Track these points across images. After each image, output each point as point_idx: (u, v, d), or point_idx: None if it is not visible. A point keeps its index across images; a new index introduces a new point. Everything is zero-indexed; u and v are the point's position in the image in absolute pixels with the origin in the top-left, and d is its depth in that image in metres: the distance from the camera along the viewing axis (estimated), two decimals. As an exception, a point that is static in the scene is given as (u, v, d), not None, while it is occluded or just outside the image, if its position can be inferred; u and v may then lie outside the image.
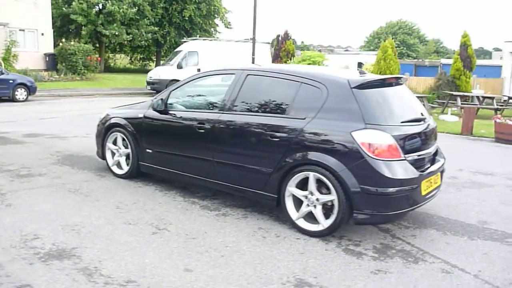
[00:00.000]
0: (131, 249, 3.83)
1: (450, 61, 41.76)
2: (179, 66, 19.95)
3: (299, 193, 4.30)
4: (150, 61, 38.62)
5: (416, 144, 4.28)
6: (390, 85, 4.55)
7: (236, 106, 4.78)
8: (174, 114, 5.30)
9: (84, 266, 3.48)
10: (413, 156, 4.18)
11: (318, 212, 4.20)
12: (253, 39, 16.30)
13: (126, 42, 31.83)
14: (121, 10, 27.81)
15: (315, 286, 3.35)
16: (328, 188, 4.15)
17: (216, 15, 35.96)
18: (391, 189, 3.93)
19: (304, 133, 4.22)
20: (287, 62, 15.46)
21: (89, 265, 3.51)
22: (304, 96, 4.39)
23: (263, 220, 4.65)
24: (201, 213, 4.81)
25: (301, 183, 4.31)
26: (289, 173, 4.32)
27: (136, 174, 5.85)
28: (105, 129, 6.06)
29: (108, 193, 5.35)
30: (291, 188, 4.34)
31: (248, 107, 4.74)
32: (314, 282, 3.41)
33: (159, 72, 20.23)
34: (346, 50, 50.83)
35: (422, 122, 4.47)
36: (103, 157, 6.25)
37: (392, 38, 60.50)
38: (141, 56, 37.88)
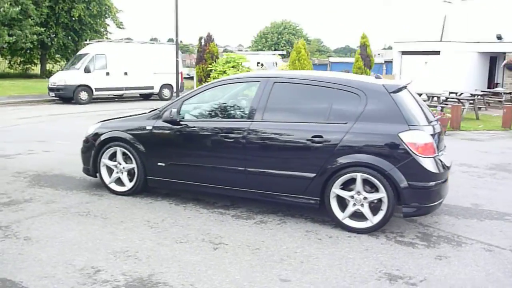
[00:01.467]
0: (210, 268, 3.71)
1: (338, 60, 45.18)
2: (87, 70, 18.59)
3: (346, 194, 4.54)
4: (33, 65, 35.12)
5: (438, 141, 4.81)
6: (406, 88, 5.02)
7: (268, 114, 4.82)
8: (193, 125, 5.14)
9: (182, 292, 3.31)
10: (439, 152, 4.70)
11: (366, 210, 4.48)
12: (176, 42, 15.94)
13: (6, 44, 28.53)
14: (1, 9, 24.86)
15: (405, 278, 3.63)
16: (372, 187, 4.46)
17: (107, 15, 34.11)
18: (432, 183, 4.39)
19: (349, 137, 4.47)
20: (213, 64, 15.46)
21: (186, 290, 3.34)
22: (342, 102, 4.63)
23: (303, 223, 4.79)
24: (239, 223, 4.77)
25: (344, 184, 4.56)
26: (334, 175, 4.53)
27: (140, 190, 5.52)
28: (100, 144, 5.59)
29: (124, 213, 4.98)
30: (336, 190, 4.56)
31: (282, 115, 4.83)
32: (400, 274, 3.69)
33: (63, 77, 18.60)
34: (240, 50, 51.95)
35: (437, 121, 5.02)
36: (95, 174, 5.76)
37: (278, 38, 62.76)
38: (22, 60, 34.23)
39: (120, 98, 20.94)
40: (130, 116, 5.85)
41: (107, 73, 19.27)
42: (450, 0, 27.47)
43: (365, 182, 4.47)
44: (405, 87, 4.78)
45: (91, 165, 5.72)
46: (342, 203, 4.60)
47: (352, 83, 4.66)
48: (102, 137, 5.58)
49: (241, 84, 5.26)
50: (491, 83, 25.16)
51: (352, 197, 4.52)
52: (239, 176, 4.94)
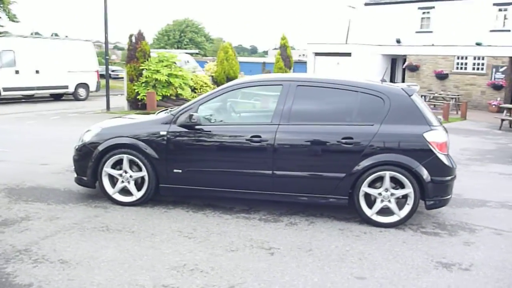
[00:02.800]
0: (284, 274, 3.70)
1: (249, 59, 45.81)
2: (-7, 68, 16.60)
3: (374, 192, 4.80)
4: None
5: None
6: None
7: (294, 117, 4.89)
8: (214, 129, 4.99)
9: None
10: None
11: (393, 206, 4.80)
12: (106, 39, 14.89)
13: None
14: None
15: (455, 264, 4.00)
16: (395, 183, 4.78)
17: (-3, 6, 30.54)
18: (449, 177, 4.85)
19: (378, 137, 4.74)
20: (145, 63, 14.78)
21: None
22: (366, 105, 4.88)
23: (330, 222, 4.95)
24: (272, 226, 4.78)
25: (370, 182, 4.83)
26: (363, 175, 4.77)
27: (149, 199, 5.22)
28: (101, 152, 5.15)
29: (146, 224, 4.68)
30: (365, 188, 4.80)
31: (308, 118, 4.93)
32: (449, 261, 4.05)
33: (-37, 76, 16.38)
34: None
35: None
36: (93, 185, 5.30)
37: (181, 36, 61.85)
38: None
39: (30, 99, 19.06)
40: (131, 120, 5.47)
41: (16, 71, 17.40)
42: (353, 6, 29.66)
43: (390, 179, 4.78)
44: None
45: (89, 174, 5.25)
46: (368, 200, 4.86)
47: (376, 87, 4.94)
48: (105, 144, 5.15)
49: (262, 88, 5.23)
50: (393, 82, 27.57)
51: (380, 194, 4.80)
52: (266, 179, 4.93)
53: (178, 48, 51.84)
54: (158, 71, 14.72)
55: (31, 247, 4.03)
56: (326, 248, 4.25)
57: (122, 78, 19.44)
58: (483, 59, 22.76)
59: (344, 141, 4.77)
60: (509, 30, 23.20)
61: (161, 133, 5.06)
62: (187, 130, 5.02)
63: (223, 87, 5.18)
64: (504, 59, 21.92)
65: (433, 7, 26.10)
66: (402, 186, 4.78)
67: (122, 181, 5.20)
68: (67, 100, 19.94)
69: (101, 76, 21.22)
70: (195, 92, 16.90)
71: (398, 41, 26.91)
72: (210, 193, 5.15)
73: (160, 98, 14.91)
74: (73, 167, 5.50)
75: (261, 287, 3.48)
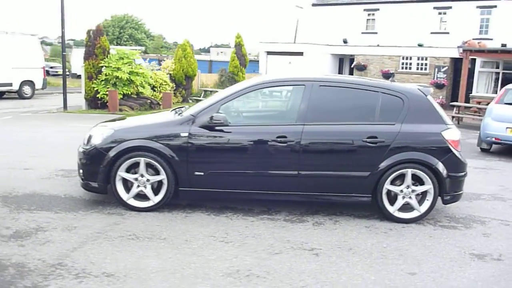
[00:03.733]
0: (340, 274, 3.71)
1: (202, 57, 45.35)
2: None
3: (396, 189, 4.95)
4: None
5: None
6: None
7: (318, 116, 4.90)
8: (238, 130, 4.88)
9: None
10: None
11: (414, 202, 4.97)
12: (62, 35, 13.91)
13: None
14: None
15: (487, 255, 4.22)
16: (416, 180, 4.96)
17: None
18: (462, 173, 5.11)
19: (400, 136, 4.88)
20: (105, 60, 14.07)
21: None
22: (387, 105, 5.00)
23: (353, 220, 5.02)
24: (301, 226, 4.76)
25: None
26: (386, 173, 4.90)
27: (166, 203, 5.01)
28: (116, 155, 4.85)
29: (174, 230, 4.48)
30: (388, 186, 4.93)
31: (331, 117, 4.96)
32: (480, 253, 4.27)
33: None
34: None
35: None
36: (105, 190, 4.99)
37: (120, 33, 59.87)
38: None
39: (-32, 98, 17.51)
40: (145, 121, 5.19)
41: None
42: (301, 6, 30.22)
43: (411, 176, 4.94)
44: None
45: (101, 179, 4.92)
46: (389, 197, 4.99)
47: (395, 87, 5.08)
48: (120, 147, 4.85)
49: (284, 87, 5.18)
50: (339, 81, 28.38)
51: (401, 191, 4.95)
52: (291, 180, 4.91)
53: (117, 44, 49.95)
54: (119, 69, 14.11)
55: (64, 260, 3.71)
56: (364, 246, 4.31)
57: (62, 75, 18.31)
58: (426, 59, 24.14)
59: (369, 140, 4.86)
60: (448, 33, 24.80)
61: (182, 134, 4.86)
62: (208, 131, 4.86)
63: (244, 86, 5.06)
64: (445, 59, 23.39)
65: (378, 9, 27.30)
66: (421, 182, 4.96)
67: (138, 186, 4.93)
68: (10, 99, 18.57)
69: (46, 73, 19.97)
70: (154, 91, 16.42)
71: (345, 42, 27.84)
72: (233, 195, 5.03)
73: (121, 96, 14.31)
74: (80, 171, 5.13)
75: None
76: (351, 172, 4.91)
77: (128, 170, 4.93)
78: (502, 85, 21.12)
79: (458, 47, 21.69)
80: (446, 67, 23.44)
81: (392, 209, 4.96)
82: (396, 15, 26.24)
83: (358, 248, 4.26)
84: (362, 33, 27.69)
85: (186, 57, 18.08)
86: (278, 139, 4.82)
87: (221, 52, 50.70)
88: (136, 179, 4.92)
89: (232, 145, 4.90)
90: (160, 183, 4.94)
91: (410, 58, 24.70)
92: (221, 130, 4.86)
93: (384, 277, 3.68)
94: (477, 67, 21.28)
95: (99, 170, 4.92)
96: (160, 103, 15.52)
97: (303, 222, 4.91)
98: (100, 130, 5.11)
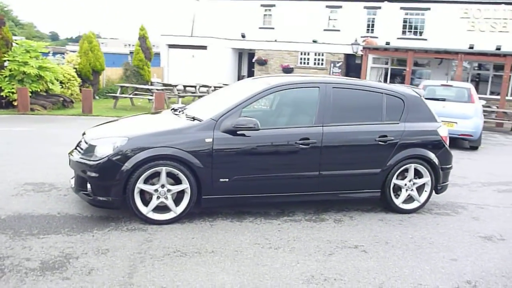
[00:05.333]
0: (402, 267, 3.96)
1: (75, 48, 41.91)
2: None
3: (401, 183, 5.38)
4: None
5: None
6: None
7: (334, 118, 5.07)
8: (261, 133, 4.79)
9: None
10: None
11: (415, 193, 5.46)
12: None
13: None
14: None
15: (493, 237, 4.85)
16: (416, 173, 5.46)
17: None
18: (451, 165, 5.74)
19: (405, 134, 5.30)
20: (9, 53, 12.24)
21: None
22: (391, 105, 5.38)
23: (365, 215, 5.33)
24: (326, 225, 4.91)
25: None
26: (393, 168, 5.29)
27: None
28: (134, 166, 4.44)
29: (215, 242, 4.28)
30: (395, 180, 5.34)
31: (345, 118, 5.16)
32: (485, 235, 4.89)
33: None
34: None
35: None
36: (120, 205, 4.55)
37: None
38: None
39: None
40: (160, 127, 4.80)
41: None
42: (198, -1, 29.90)
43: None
44: None
45: (116, 193, 4.47)
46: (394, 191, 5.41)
47: (396, 89, 5.49)
48: (139, 157, 4.44)
49: (300, 89, 5.20)
50: (239, 75, 29.03)
51: (405, 184, 5.40)
52: (312, 180, 5.02)
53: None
54: (26, 63, 12.53)
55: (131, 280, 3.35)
56: (395, 239, 4.63)
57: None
58: (322, 55, 25.81)
59: (380, 139, 5.19)
60: (339, 30, 26.83)
61: (207, 140, 4.63)
62: (232, 136, 4.72)
63: (262, 89, 4.98)
64: (339, 55, 25.29)
65: (274, 5, 28.33)
66: (419, 175, 5.46)
67: (158, 197, 4.59)
68: None
69: None
70: (62, 87, 14.95)
71: (243, 36, 28.38)
72: (257, 199, 4.97)
73: (30, 94, 12.75)
74: (88, 186, 4.58)
75: (405, 283, 3.67)
76: (365, 169, 5.20)
77: (146, 181, 4.56)
78: (391, 79, 23.64)
79: (352, 44, 23.65)
80: (341, 63, 25.37)
81: (398, 202, 5.39)
82: (291, 12, 27.54)
83: (391, 241, 4.56)
84: (260, 28, 28.53)
85: (93, 50, 16.77)
86: (301, 141, 4.89)
87: (102, 44, 47.73)
88: (156, 190, 4.57)
89: (257, 149, 4.82)
90: (180, 193, 4.66)
91: (308, 54, 26.18)
92: (243, 135, 4.75)
93: (437, 265, 4.03)
94: (369, 63, 23.42)
95: (113, 183, 4.46)
96: (74, 100, 14.20)
97: (324, 220, 5.06)
98: (110, 139, 4.61)
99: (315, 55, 26.02)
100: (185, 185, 4.62)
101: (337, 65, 25.35)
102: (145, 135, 4.63)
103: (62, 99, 13.76)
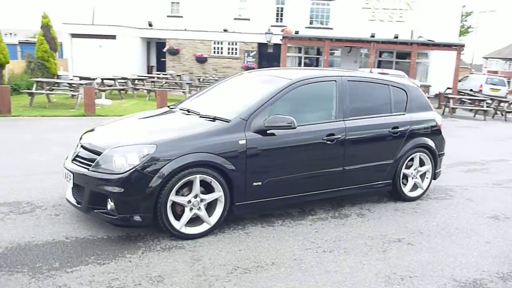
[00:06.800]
0: (450, 256, 4.06)
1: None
2: None
3: (409, 172, 5.54)
4: None
5: None
6: None
7: (352, 111, 5.01)
8: (290, 132, 4.52)
9: None
10: None
11: (419, 180, 5.67)
12: None
13: None
14: None
15: (500, 217, 5.23)
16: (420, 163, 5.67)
17: None
18: (444, 152, 6.05)
19: (412, 124, 5.45)
20: None
21: None
22: (397, 97, 5.48)
23: (379, 206, 5.41)
24: (353, 221, 4.86)
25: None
26: (402, 158, 5.42)
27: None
28: (168, 176, 3.90)
29: (267, 254, 3.96)
30: (404, 170, 5.48)
31: (361, 111, 5.12)
32: (491, 215, 5.26)
33: None
34: None
35: None
36: (150, 222, 3.99)
37: None
38: None
39: None
40: (186, 131, 4.24)
41: None
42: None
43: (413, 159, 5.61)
44: None
45: (147, 209, 3.91)
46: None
47: (399, 81, 5.61)
48: (173, 165, 3.92)
49: (320, 83, 4.98)
50: (149, 66, 27.75)
51: (411, 173, 5.57)
52: (337, 176, 4.92)
53: None
54: None
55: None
56: (424, 228, 4.75)
57: None
58: (236, 44, 25.68)
59: (393, 130, 5.27)
60: (249, 19, 26.90)
61: (240, 142, 4.25)
62: (262, 135, 4.40)
63: (286, 84, 4.67)
64: (253, 44, 25.39)
65: (182, -7, 27.36)
66: (421, 163, 5.67)
67: (191, 209, 4.12)
68: None
69: None
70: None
71: (150, 25, 27.06)
72: (287, 201, 4.73)
73: None
74: (110, 204, 3.92)
75: (470, 271, 3.76)
76: (381, 161, 5.24)
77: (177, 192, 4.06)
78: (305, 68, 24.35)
79: (266, 33, 23.91)
80: (255, 52, 25.51)
81: (406, 190, 5.55)
82: (200, 0, 26.86)
83: (424, 231, 4.67)
84: (168, 16, 27.42)
85: (-8, 41, 14.59)
86: (327, 137, 4.75)
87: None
88: (188, 202, 4.09)
89: (287, 148, 4.56)
90: (211, 202, 4.24)
91: (221, 43, 25.87)
92: (273, 134, 4.46)
93: (480, 250, 4.23)
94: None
95: (143, 198, 3.89)
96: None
97: (348, 216, 5.01)
98: (134, 147, 3.98)
99: (229, 44, 25.81)
100: (219, 193, 4.20)
101: (251, 54, 25.47)
102: (173, 140, 4.09)
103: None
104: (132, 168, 3.87)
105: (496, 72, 47.57)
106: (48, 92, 13.72)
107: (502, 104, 18.65)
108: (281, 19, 26.83)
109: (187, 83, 18.02)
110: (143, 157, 3.91)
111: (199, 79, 22.78)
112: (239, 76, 5.85)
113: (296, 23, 26.14)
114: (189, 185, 4.11)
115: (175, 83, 19.99)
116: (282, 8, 26.83)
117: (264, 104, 4.49)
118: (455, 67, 20.12)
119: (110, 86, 17.01)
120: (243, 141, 4.27)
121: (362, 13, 25.91)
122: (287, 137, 4.53)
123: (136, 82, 18.59)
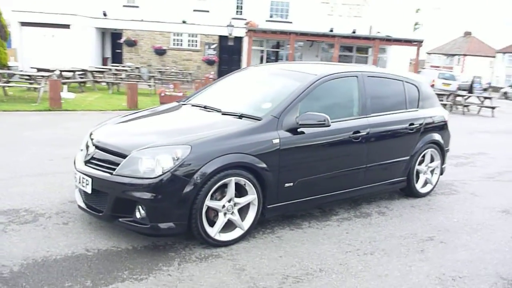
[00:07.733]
0: (487, 253, 4.06)
1: None
2: None
3: (422, 168, 5.53)
4: None
5: None
6: None
7: (372, 107, 4.90)
8: (319, 130, 4.32)
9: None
10: None
11: (430, 176, 5.68)
12: None
13: None
14: None
15: (508, 210, 5.36)
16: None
17: None
18: (448, 147, 6.10)
19: (426, 120, 5.44)
20: None
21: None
22: (410, 93, 5.43)
23: (395, 203, 5.36)
24: (376, 220, 4.77)
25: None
26: (415, 154, 5.39)
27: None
28: (204, 180, 3.59)
29: (310, 259, 3.78)
30: (417, 166, 5.47)
31: (379, 107, 5.01)
32: (501, 209, 5.37)
33: None
34: None
35: None
36: (184, 229, 3.66)
37: None
38: None
39: None
40: (217, 131, 3.91)
41: None
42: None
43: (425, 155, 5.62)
44: None
45: (181, 216, 3.58)
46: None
47: (411, 76, 5.56)
48: (209, 168, 3.61)
49: (343, 79, 4.80)
50: (103, 57, 26.57)
51: (423, 169, 5.57)
52: (360, 174, 4.80)
53: None
54: None
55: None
56: (448, 225, 4.75)
57: None
58: (196, 36, 25.07)
59: (410, 126, 5.22)
60: (208, 11, 26.33)
61: (274, 141, 4.00)
62: (292, 134, 4.17)
63: (311, 80, 4.46)
64: (214, 37, 24.90)
65: (137, -18, 26.27)
66: (430, 159, 5.69)
67: (225, 213, 3.84)
68: None
69: None
70: None
71: (105, 14, 25.82)
72: (316, 201, 4.54)
73: None
74: (140, 212, 3.55)
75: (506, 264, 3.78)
76: (399, 158, 5.18)
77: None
78: (267, 61, 24.31)
79: (228, 26, 23.54)
80: (216, 44, 25.04)
81: (418, 186, 5.55)
82: (158, -10, 25.92)
83: (449, 228, 4.66)
84: (124, 6, 26.23)
85: None
86: (353, 134, 4.61)
87: None
88: (223, 206, 3.81)
89: (317, 146, 4.36)
90: (242, 206, 3.98)
91: (181, 35, 25.17)
92: (303, 132, 4.25)
93: (510, 246, 4.26)
94: (246, 46, 23.58)
95: (178, 204, 3.56)
96: None
97: (370, 215, 4.92)
98: (166, 148, 3.62)
99: (189, 36, 25.16)
100: (253, 196, 3.95)
101: (212, 47, 24.98)
102: (208, 141, 3.76)
103: None
104: (166, 172, 3.52)
105: (438, 67, 49.92)
106: (4, 84, 12.63)
107: (458, 98, 19.50)
108: (241, 11, 26.46)
109: (151, 76, 17.33)
110: (177, 159, 3.56)
111: (159, 71, 22.04)
112: (246, 70, 5.59)
113: (257, 16, 25.91)
114: (220, 189, 3.82)
115: (136, 75, 19.20)
116: (242, 1, 26.47)
117: (294, 100, 4.26)
118: (415, 62, 20.78)
119: (69, 78, 16.00)
120: (277, 140, 4.02)
121: (321, 8, 26.11)
122: (317, 135, 4.34)
123: (95, 74, 17.63)
